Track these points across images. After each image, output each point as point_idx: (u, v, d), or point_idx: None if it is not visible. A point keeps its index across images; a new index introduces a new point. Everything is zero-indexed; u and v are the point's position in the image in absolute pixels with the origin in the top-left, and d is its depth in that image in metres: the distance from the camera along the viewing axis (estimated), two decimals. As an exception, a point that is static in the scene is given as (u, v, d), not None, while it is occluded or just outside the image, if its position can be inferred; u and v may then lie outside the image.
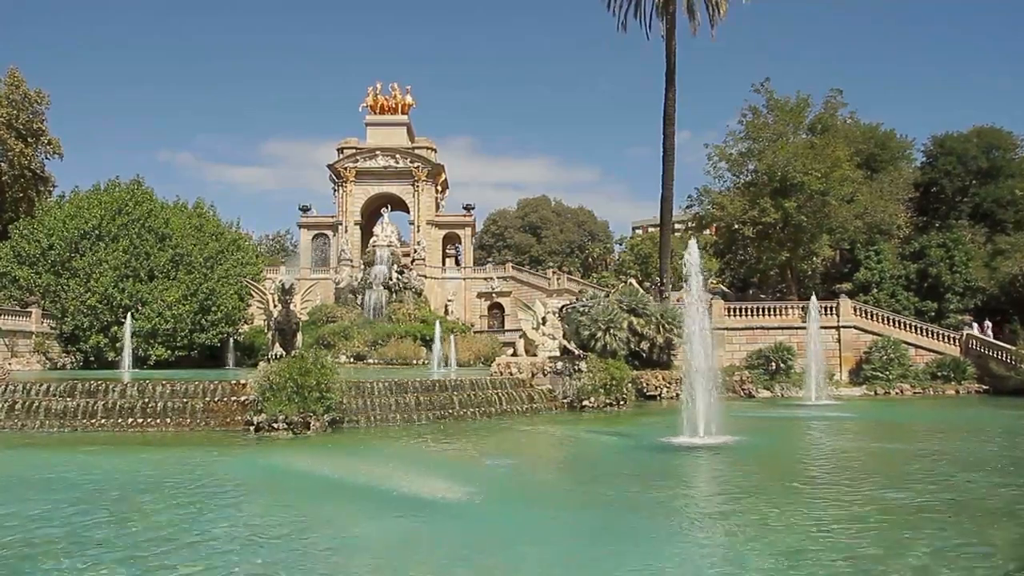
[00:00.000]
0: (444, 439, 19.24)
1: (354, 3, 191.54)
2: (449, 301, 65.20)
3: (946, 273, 49.59)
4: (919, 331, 40.21)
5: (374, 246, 58.21)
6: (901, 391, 36.97)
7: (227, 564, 8.21)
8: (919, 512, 10.74)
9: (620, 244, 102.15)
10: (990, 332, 42.05)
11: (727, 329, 39.20)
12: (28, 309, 36.51)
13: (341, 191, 68.38)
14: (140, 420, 19.78)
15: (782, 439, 20.35)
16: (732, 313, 40.18)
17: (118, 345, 35.27)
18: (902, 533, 9.46)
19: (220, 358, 39.90)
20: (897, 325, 40.23)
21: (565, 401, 27.58)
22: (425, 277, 61.90)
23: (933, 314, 48.76)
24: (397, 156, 67.97)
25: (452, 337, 44.74)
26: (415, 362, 45.35)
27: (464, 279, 69.16)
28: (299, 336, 22.69)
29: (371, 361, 46.23)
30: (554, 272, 71.22)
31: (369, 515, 10.66)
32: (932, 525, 9.90)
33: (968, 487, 12.72)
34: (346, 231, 67.38)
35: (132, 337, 35.03)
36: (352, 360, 45.79)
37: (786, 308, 40.86)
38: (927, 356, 39.10)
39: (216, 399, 20.69)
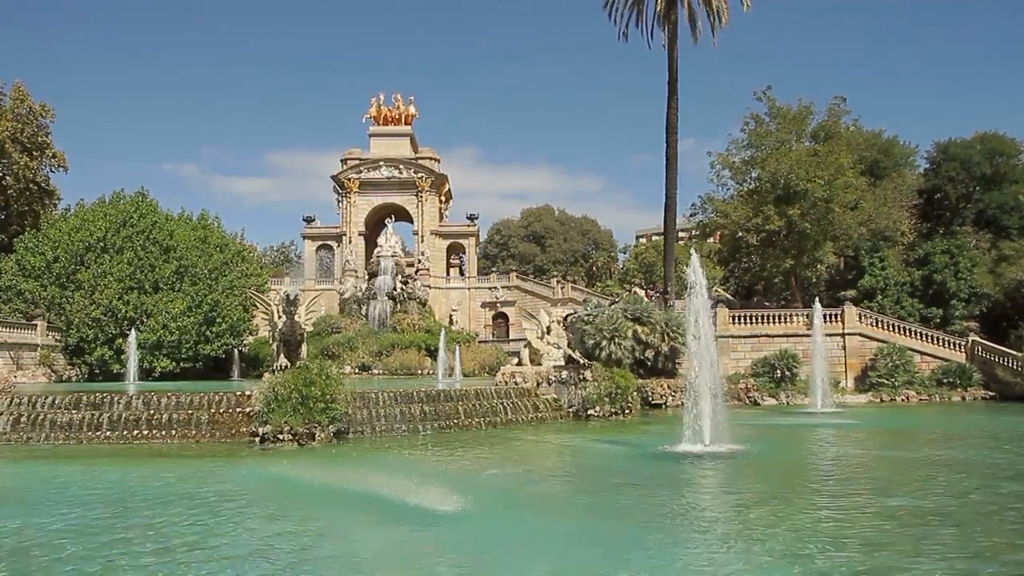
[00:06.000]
0: (449, 449, 19.22)
1: (357, 14, 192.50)
2: (453, 311, 65.21)
3: (951, 279, 49.47)
4: (924, 337, 40.11)
5: (378, 256, 58.25)
6: (907, 398, 36.86)
7: (234, 574, 8.22)
8: (927, 519, 10.71)
9: (624, 252, 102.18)
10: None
11: (732, 337, 39.17)
12: (33, 322, 36.60)
13: (345, 202, 68.51)
14: (145, 432, 19.81)
15: (788, 447, 20.31)
16: (737, 321, 40.13)
17: (123, 357, 35.36)
18: (910, 541, 9.43)
19: (225, 369, 39.96)
20: (902, 332, 40.14)
21: (570, 410, 27.56)
22: (429, 287, 61.89)
23: (938, 320, 48.64)
24: (400, 167, 68.08)
25: (457, 347, 44.74)
26: (420, 372, 45.33)
27: (468, 289, 69.16)
28: (304, 347, 22.68)
29: (376, 371, 46.21)
30: (558, 281, 71.16)
31: (374, 526, 10.65)
32: (940, 533, 9.88)
33: (975, 494, 12.67)
34: (350, 242, 67.47)
35: (137, 349, 35.13)
36: (357, 371, 45.78)
37: (791, 315, 40.80)
38: (933, 363, 38.99)
39: (221, 410, 20.71)
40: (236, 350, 40.68)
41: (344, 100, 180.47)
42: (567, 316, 33.70)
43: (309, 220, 71.01)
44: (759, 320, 40.30)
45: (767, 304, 54.81)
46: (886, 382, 37.31)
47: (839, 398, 34.68)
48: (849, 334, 39.40)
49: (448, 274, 70.09)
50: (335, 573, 8.48)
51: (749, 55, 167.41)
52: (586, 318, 33.71)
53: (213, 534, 10.02)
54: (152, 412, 20.37)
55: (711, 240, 61.47)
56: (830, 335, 37.70)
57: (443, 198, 72.99)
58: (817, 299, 37.59)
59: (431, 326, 53.38)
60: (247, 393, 21.24)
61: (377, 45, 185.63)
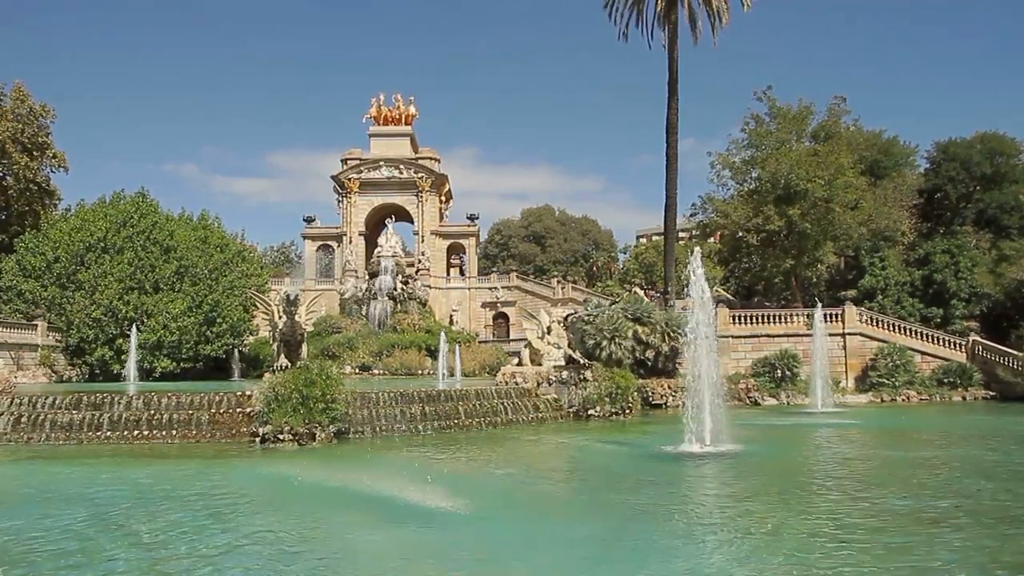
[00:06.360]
0: (449, 449, 19.22)
1: (357, 14, 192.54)
2: (454, 311, 65.21)
3: (951, 279, 49.45)
4: (925, 337, 40.10)
5: (378, 256, 58.26)
6: (907, 398, 36.84)
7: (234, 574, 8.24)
8: (927, 520, 10.70)
9: (624, 253, 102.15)
10: None
11: (732, 337, 39.13)
12: (34, 322, 36.61)
13: (345, 202, 68.52)
14: (146, 432, 19.81)
15: (789, 447, 20.29)
16: (737, 321, 40.10)
17: (123, 357, 35.37)
18: (910, 542, 9.43)
19: (225, 369, 39.97)
20: (903, 331, 40.12)
21: (571, 410, 27.56)
22: (429, 287, 61.92)
23: (939, 320, 48.61)
24: (401, 167, 68.07)
25: (457, 347, 44.74)
26: (420, 372, 45.35)
27: (468, 289, 69.18)
28: (304, 347, 22.70)
29: (376, 371, 46.24)
30: (559, 281, 71.17)
31: (374, 526, 10.65)
32: (940, 533, 9.87)
33: (976, 494, 12.67)
34: (350, 242, 67.48)
35: (137, 349, 35.12)
36: (357, 371, 45.79)
37: (791, 315, 40.75)
38: (933, 362, 38.98)
39: (221, 411, 20.71)
40: (236, 350, 40.67)
41: (344, 100, 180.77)
42: (567, 316, 33.70)
43: (309, 220, 71.04)
44: (759, 320, 40.28)
45: (767, 304, 54.81)
46: (886, 382, 37.30)
47: (839, 398, 34.68)
48: (849, 334, 39.37)
49: (448, 274, 70.11)
50: (335, 573, 8.48)
51: (749, 55, 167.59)
52: (586, 318, 33.70)
53: (213, 534, 10.01)
54: (152, 412, 20.37)
55: (711, 240, 61.52)
56: (830, 335, 37.65)
57: (443, 198, 73.00)
58: (818, 300, 37.56)
59: (431, 326, 53.41)
60: (247, 393, 21.24)
61: (377, 45, 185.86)
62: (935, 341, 40.05)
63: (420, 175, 67.70)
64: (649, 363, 33.09)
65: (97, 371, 36.60)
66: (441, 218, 72.04)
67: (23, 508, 11.79)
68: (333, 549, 9.43)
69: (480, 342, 56.41)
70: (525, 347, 30.50)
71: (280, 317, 22.28)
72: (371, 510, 11.62)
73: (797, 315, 40.53)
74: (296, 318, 22.18)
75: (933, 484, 13.86)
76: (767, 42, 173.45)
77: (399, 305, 55.52)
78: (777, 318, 40.49)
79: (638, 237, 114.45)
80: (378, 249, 59.49)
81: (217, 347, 38.57)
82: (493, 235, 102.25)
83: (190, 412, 20.53)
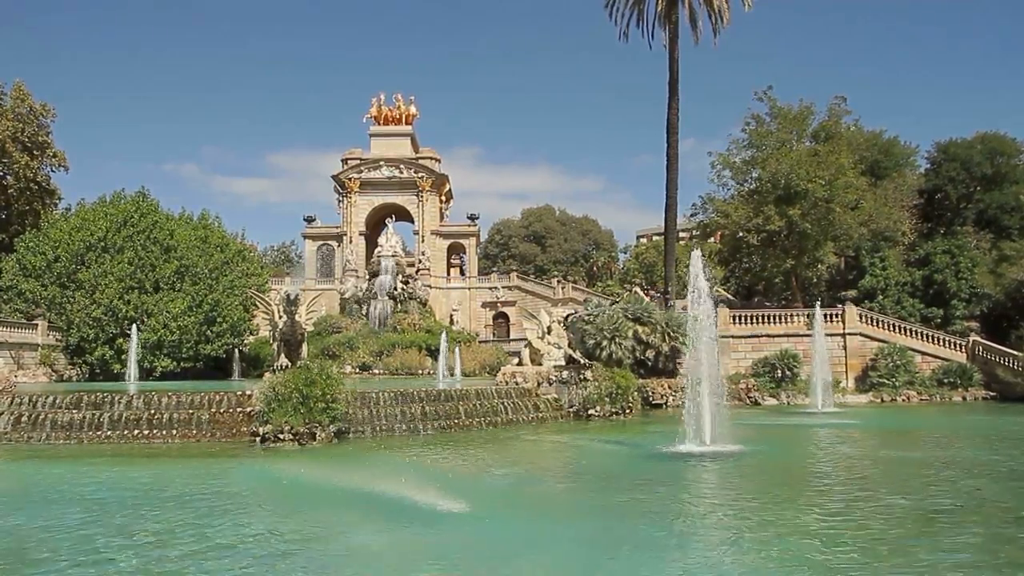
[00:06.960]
0: (449, 449, 19.21)
1: (357, 14, 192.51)
2: (454, 311, 65.20)
3: (951, 279, 49.42)
4: (925, 338, 40.09)
5: (379, 256, 58.26)
6: (907, 398, 36.85)
7: (234, 574, 8.23)
8: (927, 519, 10.72)
9: (625, 253, 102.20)
10: None
11: (732, 337, 39.13)
12: (34, 322, 36.62)
13: (345, 201, 68.52)
14: (146, 432, 19.80)
15: (788, 447, 20.29)
16: (737, 321, 40.09)
17: (124, 357, 35.35)
18: (910, 541, 9.44)
19: (226, 369, 39.97)
20: (903, 332, 40.12)
21: (571, 410, 27.55)
22: (430, 287, 61.92)
23: (939, 320, 48.56)
24: (401, 166, 68.05)
25: (457, 347, 44.72)
26: (420, 372, 45.34)
27: (469, 289, 69.17)
28: (304, 347, 22.69)
29: (376, 371, 46.24)
30: (559, 281, 71.17)
31: (375, 526, 10.65)
32: (939, 533, 9.88)
33: (976, 494, 12.67)
34: (351, 241, 67.48)
35: (137, 349, 35.10)
36: (357, 370, 45.79)
37: (791, 315, 40.74)
38: (933, 363, 38.98)
39: (222, 410, 20.71)
40: (237, 350, 40.67)
41: (344, 100, 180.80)
42: (568, 316, 33.68)
43: (310, 220, 71.05)
44: (760, 320, 40.27)
45: (768, 304, 54.73)
46: (887, 382, 37.30)
47: (840, 398, 34.69)
48: (850, 334, 39.37)
49: (448, 274, 70.10)
50: (336, 574, 8.47)
51: (749, 55, 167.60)
52: (587, 318, 33.69)
53: (213, 534, 10.01)
54: (153, 412, 20.36)
55: (712, 240, 61.47)
56: (831, 335, 37.66)
57: (444, 198, 72.99)
58: (818, 301, 37.54)
59: (432, 326, 53.39)
60: (248, 393, 21.23)
61: (377, 45, 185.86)
62: (935, 341, 40.05)
63: (420, 175, 67.69)
64: (649, 363, 33.08)
65: (97, 370, 36.60)
66: (441, 218, 72.03)
67: (22, 507, 11.78)
68: (333, 549, 9.43)
69: (480, 342, 56.36)
70: (525, 347, 30.49)
71: (280, 317, 22.27)
72: (371, 510, 11.61)
73: (797, 315, 40.52)
74: (296, 318, 22.17)
75: (934, 484, 13.85)
76: (767, 42, 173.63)
77: (399, 305, 55.51)
78: (777, 318, 40.49)
79: (638, 237, 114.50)
80: (378, 249, 59.49)
81: (217, 347, 38.57)
82: (493, 235, 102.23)
83: (190, 412, 20.52)
